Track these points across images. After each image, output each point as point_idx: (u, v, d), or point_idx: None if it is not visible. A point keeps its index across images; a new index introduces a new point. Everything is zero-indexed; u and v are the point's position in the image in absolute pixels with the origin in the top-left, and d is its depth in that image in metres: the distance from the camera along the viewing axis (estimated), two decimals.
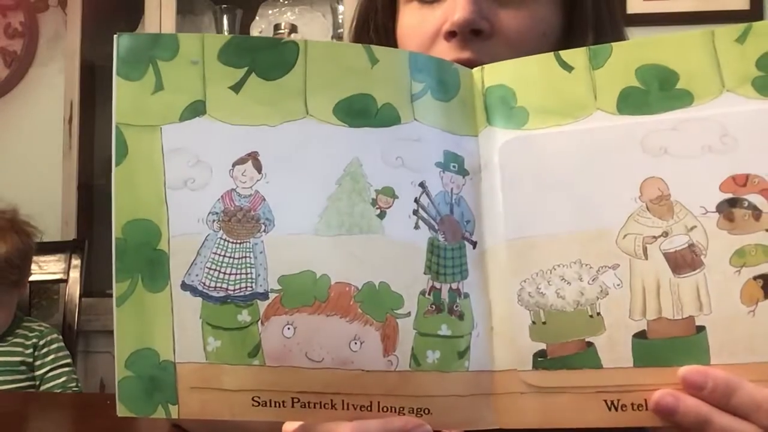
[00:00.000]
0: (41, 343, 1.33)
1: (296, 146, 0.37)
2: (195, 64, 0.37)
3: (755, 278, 0.35)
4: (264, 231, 0.37)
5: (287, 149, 0.37)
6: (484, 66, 0.41)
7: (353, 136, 0.37)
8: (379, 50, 0.38)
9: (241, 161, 0.37)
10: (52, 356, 1.32)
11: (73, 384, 1.31)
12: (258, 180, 0.37)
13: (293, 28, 1.86)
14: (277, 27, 1.87)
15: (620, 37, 0.57)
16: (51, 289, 1.65)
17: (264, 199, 0.37)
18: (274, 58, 0.37)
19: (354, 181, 0.37)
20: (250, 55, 0.37)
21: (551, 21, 0.53)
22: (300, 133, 0.37)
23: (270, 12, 1.98)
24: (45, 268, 1.47)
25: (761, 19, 1.76)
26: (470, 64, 0.47)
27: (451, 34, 0.50)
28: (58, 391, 1.29)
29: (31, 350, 1.32)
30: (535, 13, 0.52)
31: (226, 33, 1.92)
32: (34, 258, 1.37)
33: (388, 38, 0.58)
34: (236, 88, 0.37)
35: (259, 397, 0.36)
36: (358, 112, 0.37)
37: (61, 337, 1.37)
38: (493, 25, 0.50)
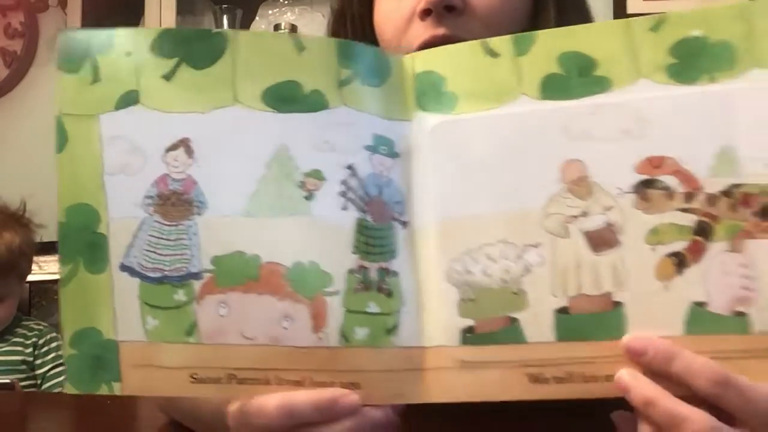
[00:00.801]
0: (41, 342, 1.34)
1: (226, 132, 0.38)
2: (129, 55, 0.39)
3: (669, 255, 0.37)
4: (197, 213, 0.38)
5: (217, 135, 0.38)
6: (414, 53, 0.42)
7: (281, 122, 0.39)
8: (306, 38, 0.40)
9: (174, 147, 0.38)
10: (53, 354, 1.34)
11: None
12: (190, 165, 0.38)
13: (293, 28, 1.86)
14: (277, 27, 1.87)
15: (581, 11, 0.60)
16: (51, 289, 1.66)
17: (196, 183, 0.38)
18: (203, 48, 0.39)
19: (282, 164, 0.38)
20: (181, 46, 0.39)
21: (522, 1, 0.55)
22: (229, 120, 0.38)
23: (270, 12, 1.99)
24: (45, 268, 1.48)
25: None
26: (446, 40, 0.51)
27: (425, 13, 0.52)
28: (60, 389, 1.30)
29: (31, 349, 1.33)
30: None
31: None
32: (34, 258, 1.39)
33: (364, 28, 0.60)
34: (168, 77, 0.39)
35: (196, 374, 0.38)
36: (285, 98, 0.39)
37: (60, 336, 1.39)
38: (466, 1, 0.52)
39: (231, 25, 1.94)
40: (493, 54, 0.41)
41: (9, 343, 1.33)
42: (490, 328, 0.38)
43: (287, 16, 1.96)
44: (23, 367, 1.32)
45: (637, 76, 0.39)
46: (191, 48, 0.39)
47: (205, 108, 0.38)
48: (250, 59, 0.39)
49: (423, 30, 0.52)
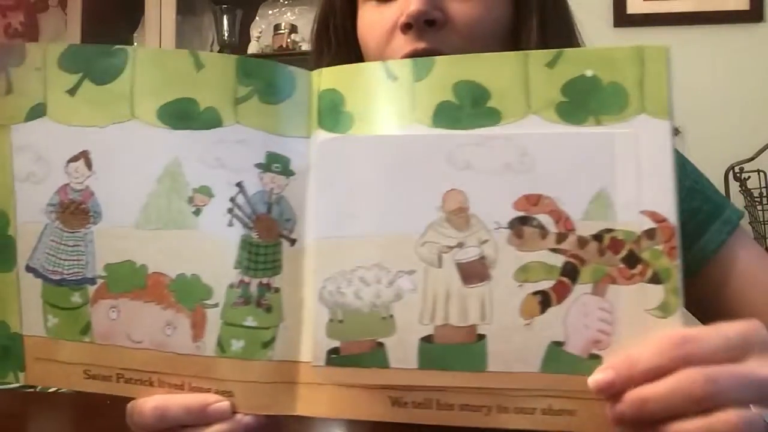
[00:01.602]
0: None
1: (122, 146, 0.40)
2: (38, 70, 0.41)
3: (534, 293, 0.37)
4: (93, 222, 0.40)
5: (114, 149, 0.40)
6: (322, 69, 0.43)
7: (175, 138, 0.40)
8: (205, 56, 0.41)
9: (75, 159, 0.41)
10: None
11: None
12: (88, 176, 0.40)
13: (293, 28, 1.87)
14: (277, 27, 1.89)
15: (565, 26, 0.59)
16: None
17: (93, 194, 0.40)
18: (105, 65, 0.40)
19: (173, 179, 0.40)
20: (85, 62, 0.41)
21: (500, 9, 0.55)
22: (125, 134, 0.40)
23: (270, 12, 2.00)
24: None
25: (761, 20, 1.72)
26: (427, 53, 0.51)
27: (407, 26, 0.53)
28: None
29: None
30: (485, 2, 0.54)
31: (226, 33, 1.96)
32: None
33: (347, 37, 0.61)
34: (72, 92, 0.41)
35: (89, 371, 0.41)
36: (180, 115, 0.40)
37: None
38: (447, 15, 0.53)
39: (231, 25, 1.95)
40: (392, 77, 0.41)
41: None
42: (356, 350, 0.39)
43: (287, 17, 1.97)
44: None
45: (527, 112, 0.38)
46: (94, 64, 0.41)
47: (104, 122, 0.40)
48: (148, 76, 0.41)
49: (404, 43, 0.53)
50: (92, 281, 0.41)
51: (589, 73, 0.38)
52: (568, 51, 0.38)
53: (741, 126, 1.70)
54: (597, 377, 0.34)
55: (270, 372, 0.40)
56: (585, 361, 0.36)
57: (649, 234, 0.36)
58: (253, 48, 1.94)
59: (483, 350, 0.37)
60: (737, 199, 1.60)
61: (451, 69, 0.40)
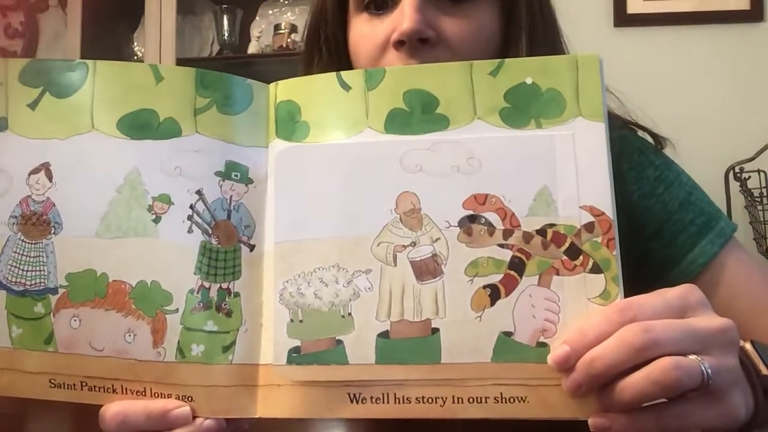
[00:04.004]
0: None
1: (82, 157, 0.41)
2: (1, 85, 0.42)
3: (484, 287, 0.39)
4: (54, 233, 0.41)
5: (74, 160, 0.41)
6: (278, 82, 0.45)
7: (134, 148, 0.41)
8: (164, 69, 0.42)
9: (36, 171, 0.41)
10: None
11: None
12: (49, 188, 0.41)
13: (293, 28, 1.88)
14: (277, 27, 1.90)
15: (553, 42, 0.60)
16: None
17: (54, 205, 0.41)
18: (65, 79, 0.42)
19: (132, 188, 0.41)
20: (45, 76, 0.42)
21: (492, 27, 0.56)
22: (85, 145, 0.41)
23: (270, 12, 2.01)
24: None
25: (761, 19, 1.74)
26: None
27: (399, 43, 0.53)
28: None
29: None
30: (477, 21, 0.55)
31: (226, 33, 1.96)
32: None
33: (338, 47, 0.61)
34: (33, 105, 0.42)
35: (54, 380, 0.41)
36: (140, 126, 0.42)
37: None
38: (439, 34, 0.54)
39: (231, 25, 1.96)
40: (346, 87, 0.43)
41: None
42: (316, 348, 0.40)
43: (287, 16, 1.98)
44: None
45: (473, 117, 0.41)
46: (54, 78, 0.42)
47: (65, 134, 0.42)
48: (108, 88, 0.42)
49: (397, 59, 0.54)
50: (54, 291, 0.41)
51: (529, 80, 0.40)
52: (509, 60, 0.41)
53: (741, 126, 1.68)
54: (554, 354, 0.36)
55: (230, 376, 0.41)
56: (533, 350, 0.38)
57: (589, 227, 0.38)
58: (253, 48, 1.93)
59: (437, 343, 0.39)
60: (737, 199, 1.61)
61: (402, 78, 0.42)
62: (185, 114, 0.42)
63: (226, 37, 1.97)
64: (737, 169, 1.59)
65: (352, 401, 0.39)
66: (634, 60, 1.73)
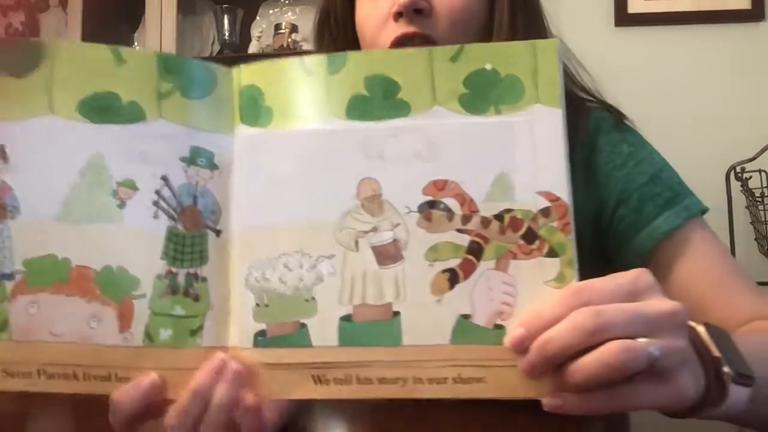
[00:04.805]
0: None
1: (40, 140, 0.41)
2: None
3: (443, 271, 0.40)
4: (10, 217, 0.41)
5: (32, 143, 0.41)
6: (241, 66, 0.44)
7: (96, 132, 0.41)
8: (126, 51, 0.42)
9: None
10: None
11: None
12: (5, 171, 0.41)
13: (294, 28, 1.88)
14: (277, 27, 1.89)
15: (534, 16, 0.67)
16: None
17: (11, 189, 0.41)
18: (21, 58, 0.41)
19: (96, 173, 0.41)
20: (0, 56, 0.41)
21: (479, 3, 0.64)
22: (44, 128, 0.41)
23: (271, 12, 2.00)
24: None
25: (762, 19, 1.76)
26: (415, 36, 0.61)
27: (398, 14, 0.62)
28: None
29: None
30: None
31: (226, 33, 1.94)
32: None
33: (346, 28, 0.70)
34: None
35: (8, 369, 0.40)
36: (101, 109, 0.41)
37: None
38: (432, 5, 0.62)
39: (231, 25, 1.94)
40: (308, 72, 0.43)
41: None
42: (281, 332, 0.41)
43: (288, 16, 1.97)
44: None
45: (433, 103, 0.41)
46: (8, 57, 0.41)
47: (21, 116, 0.41)
48: (67, 70, 0.41)
49: (396, 28, 0.63)
50: (10, 277, 0.40)
51: (488, 66, 0.41)
52: (469, 46, 0.42)
53: (742, 125, 1.70)
54: (510, 336, 0.38)
55: (199, 358, 0.41)
56: (490, 332, 0.39)
57: (545, 212, 0.40)
58: (253, 47, 1.93)
59: (398, 326, 0.40)
60: (739, 199, 1.62)
61: (363, 64, 0.43)
62: (149, 98, 0.42)
63: (226, 37, 1.96)
64: (738, 169, 1.60)
65: (316, 382, 0.40)
66: (635, 59, 1.75)
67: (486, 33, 0.65)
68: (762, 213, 1.60)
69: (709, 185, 1.63)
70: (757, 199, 1.60)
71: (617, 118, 0.67)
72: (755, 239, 1.61)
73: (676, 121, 1.71)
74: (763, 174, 1.60)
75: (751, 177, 1.60)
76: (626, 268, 0.38)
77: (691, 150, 1.66)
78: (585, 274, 0.39)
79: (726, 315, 0.55)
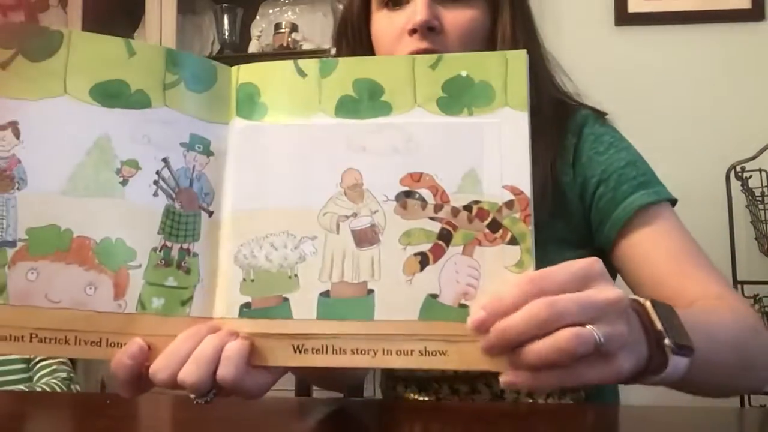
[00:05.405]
0: None
1: (52, 119, 0.44)
2: None
3: (415, 254, 0.44)
4: (17, 189, 0.44)
5: (43, 121, 0.44)
6: (240, 66, 0.49)
7: (106, 115, 0.45)
8: (137, 44, 0.46)
9: (2, 128, 0.44)
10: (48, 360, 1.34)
11: (63, 373, 1.34)
12: (16, 145, 0.44)
13: (294, 28, 1.91)
14: (277, 26, 1.92)
15: (529, 32, 0.76)
16: None
17: (20, 162, 0.44)
18: (40, 43, 0.45)
19: (102, 152, 0.45)
20: (19, 39, 0.45)
21: (484, 21, 0.73)
22: (57, 108, 0.44)
23: (270, 11, 2.03)
24: None
25: (762, 18, 1.77)
26: (428, 52, 0.66)
27: (413, 31, 0.70)
28: (47, 378, 1.32)
29: None
30: (473, 14, 0.72)
31: (226, 32, 1.97)
32: None
33: (362, 39, 0.77)
34: (4, 65, 0.44)
35: (1, 333, 0.43)
36: (112, 94, 0.45)
37: None
38: (443, 23, 0.70)
39: (231, 25, 1.97)
40: (302, 74, 0.48)
41: None
42: (264, 305, 0.45)
43: (288, 16, 2.00)
44: (23, 365, 1.34)
45: (414, 105, 0.46)
46: (28, 42, 0.45)
47: (35, 96, 0.44)
48: (82, 57, 0.45)
49: (410, 43, 0.70)
50: (12, 244, 0.43)
51: (464, 73, 0.46)
52: (447, 56, 0.47)
53: (742, 125, 1.70)
54: (472, 318, 0.41)
55: (187, 326, 0.44)
56: (455, 310, 0.43)
57: (509, 204, 0.44)
58: (253, 47, 1.94)
59: (372, 302, 0.44)
60: (739, 199, 1.62)
61: (352, 68, 0.47)
62: (155, 87, 0.46)
63: (226, 37, 1.99)
64: (738, 169, 1.60)
65: (295, 351, 0.44)
66: (635, 59, 1.77)
67: (490, 46, 0.72)
68: (762, 212, 1.59)
69: (709, 184, 1.66)
70: (757, 198, 1.59)
71: (600, 115, 0.76)
72: (755, 238, 1.61)
73: (676, 120, 1.73)
74: (763, 173, 1.61)
75: (751, 176, 1.60)
76: (606, 241, 0.40)
77: (691, 149, 1.71)
78: (575, 245, 0.42)
79: (679, 290, 0.62)
